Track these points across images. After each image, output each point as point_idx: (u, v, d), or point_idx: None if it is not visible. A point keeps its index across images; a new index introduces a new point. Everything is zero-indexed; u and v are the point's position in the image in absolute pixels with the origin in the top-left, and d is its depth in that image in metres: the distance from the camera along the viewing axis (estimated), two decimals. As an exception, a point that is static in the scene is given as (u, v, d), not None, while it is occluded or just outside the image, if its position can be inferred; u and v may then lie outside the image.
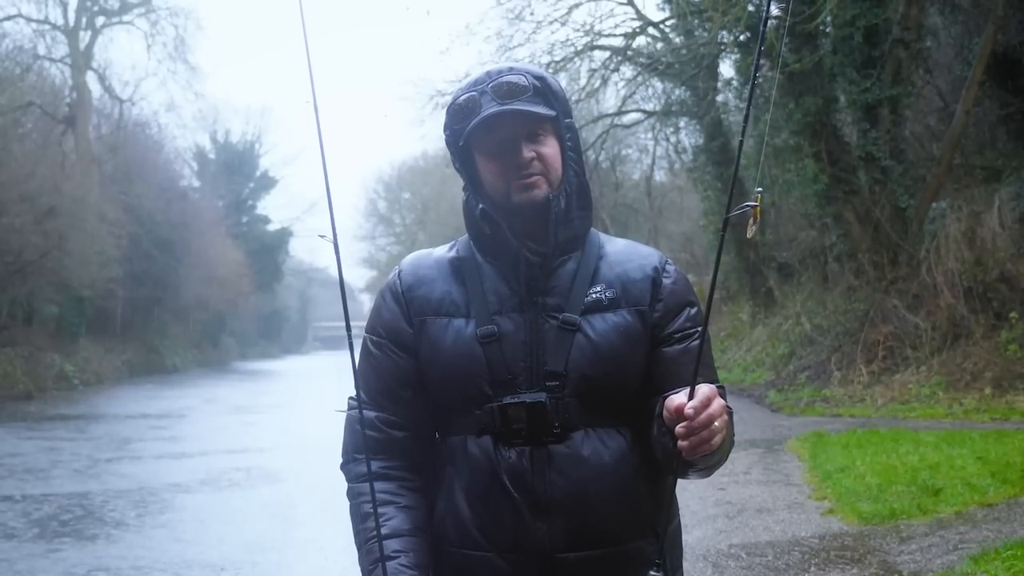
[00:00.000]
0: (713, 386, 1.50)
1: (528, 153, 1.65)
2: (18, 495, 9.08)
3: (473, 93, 1.67)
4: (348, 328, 1.63)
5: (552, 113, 1.67)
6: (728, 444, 1.59)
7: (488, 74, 1.69)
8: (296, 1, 1.59)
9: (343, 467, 1.76)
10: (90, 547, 7.02)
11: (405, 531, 1.65)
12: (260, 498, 9.15)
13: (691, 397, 1.46)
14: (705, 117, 18.96)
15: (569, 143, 1.71)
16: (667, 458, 1.57)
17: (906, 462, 7.73)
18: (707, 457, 1.52)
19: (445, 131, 1.73)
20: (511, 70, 1.68)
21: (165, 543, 7.16)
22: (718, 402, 1.47)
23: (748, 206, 1.51)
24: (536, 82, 1.67)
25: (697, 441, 1.45)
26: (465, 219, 1.75)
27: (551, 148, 1.68)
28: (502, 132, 1.65)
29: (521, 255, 1.68)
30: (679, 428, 1.45)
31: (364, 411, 1.71)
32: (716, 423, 1.46)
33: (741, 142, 1.70)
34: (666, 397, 1.54)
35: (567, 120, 1.71)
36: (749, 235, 1.53)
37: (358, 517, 1.69)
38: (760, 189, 1.52)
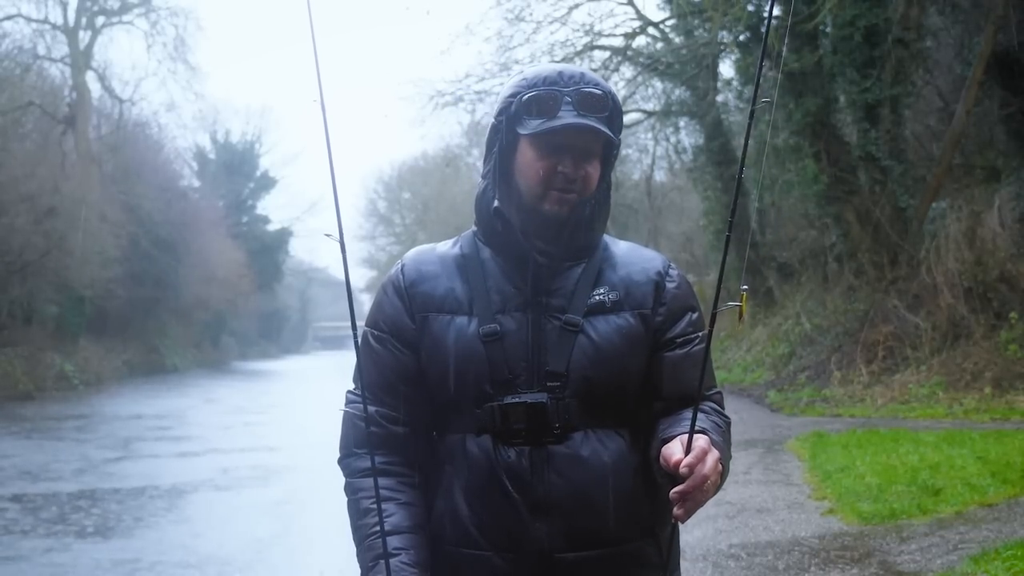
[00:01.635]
0: (707, 438, 1.52)
1: (580, 171, 1.66)
2: (28, 494, 9.11)
3: (553, 91, 1.64)
4: (354, 326, 1.63)
5: (617, 140, 1.68)
6: (725, 466, 1.61)
7: (561, 75, 1.66)
8: (298, 2, 1.60)
9: (341, 462, 1.75)
10: (111, 541, 7.11)
11: (405, 528, 1.65)
12: (267, 496, 9.21)
13: (688, 450, 1.49)
14: (705, 117, 18.96)
15: (612, 160, 1.72)
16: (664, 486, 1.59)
17: (906, 462, 7.73)
18: None
19: (499, 116, 1.69)
20: (585, 78, 1.66)
21: (181, 538, 7.24)
22: (712, 457, 1.49)
23: (732, 305, 1.57)
24: (610, 101, 1.67)
25: (692, 506, 1.49)
26: (477, 210, 1.75)
27: (595, 169, 1.68)
28: (571, 141, 1.64)
29: (530, 255, 1.67)
30: (673, 494, 1.48)
31: (368, 405, 1.70)
32: (709, 481, 1.49)
33: (740, 177, 1.69)
34: (663, 442, 1.56)
35: (618, 139, 1.71)
36: (738, 326, 1.59)
37: (357, 513, 1.68)
38: (745, 287, 1.56)
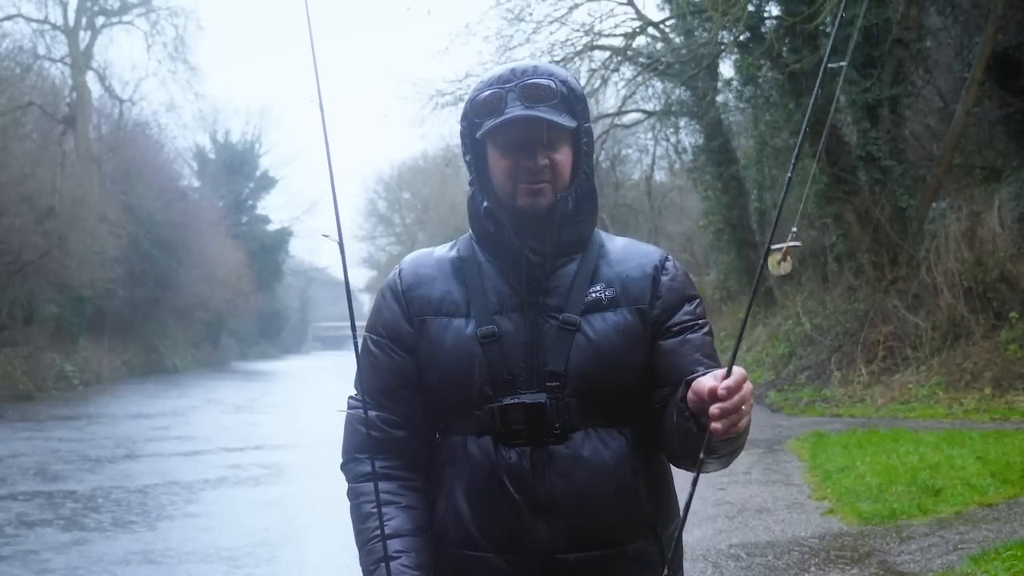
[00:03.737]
0: (743, 370, 1.49)
1: (542, 160, 1.65)
2: (41, 491, 9.20)
3: (499, 90, 1.66)
4: (353, 327, 1.63)
5: (573, 125, 1.67)
6: (746, 432, 1.58)
7: (513, 72, 1.68)
8: (298, 2, 1.60)
9: (344, 467, 1.76)
10: (130, 535, 7.26)
11: (407, 531, 1.65)
12: (277, 493, 9.32)
13: (728, 375, 1.45)
14: (705, 117, 18.96)
15: (584, 148, 1.70)
16: (686, 445, 1.56)
17: (906, 462, 7.73)
18: (728, 442, 1.51)
19: (462, 121, 1.72)
20: (537, 71, 1.67)
21: (197, 532, 7.39)
22: (748, 386, 1.46)
23: (787, 246, 1.50)
24: (563, 88, 1.67)
25: (729, 423, 1.44)
26: (469, 215, 1.75)
27: (564, 156, 1.68)
28: (521, 134, 1.65)
29: (523, 255, 1.68)
30: (714, 409, 1.43)
31: (370, 411, 1.71)
32: (745, 404, 1.45)
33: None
34: (689, 381, 1.53)
35: (586, 125, 1.70)
36: (776, 272, 1.54)
37: (359, 517, 1.69)
38: (795, 229, 1.51)
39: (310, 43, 1.59)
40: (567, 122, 1.65)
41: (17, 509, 8.29)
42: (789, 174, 1.63)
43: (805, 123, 1.74)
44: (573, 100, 1.68)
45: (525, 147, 1.65)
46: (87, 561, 6.46)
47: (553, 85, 1.66)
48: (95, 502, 8.61)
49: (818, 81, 1.56)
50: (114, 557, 6.57)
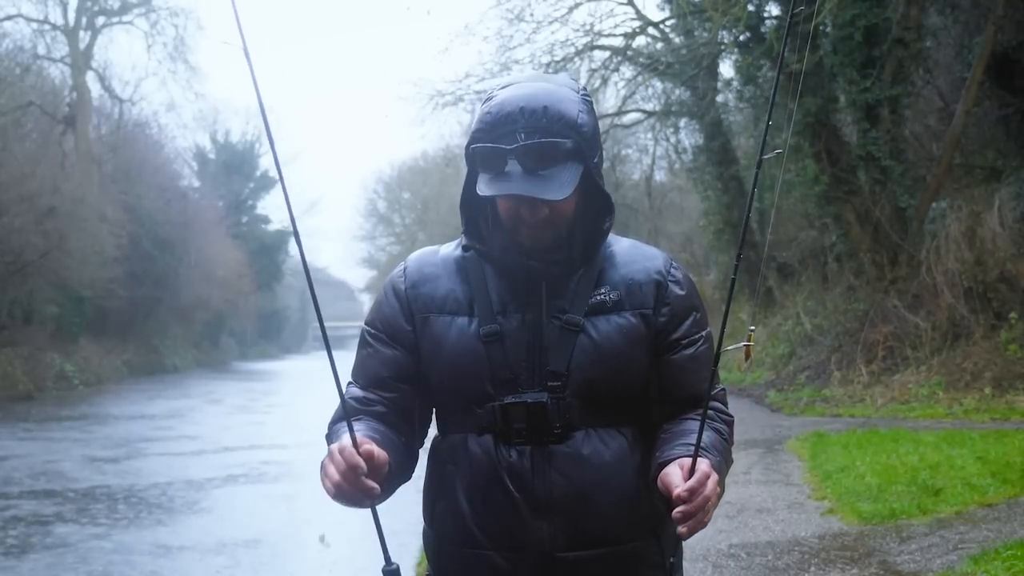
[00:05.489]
0: (709, 463, 1.52)
1: (540, 214, 1.61)
2: (52, 490, 9.27)
3: (499, 149, 1.58)
4: (321, 325, 1.63)
5: (573, 189, 1.58)
6: (722, 480, 1.61)
7: (522, 112, 1.57)
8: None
9: (326, 438, 1.70)
10: (145, 531, 7.42)
11: (374, 429, 1.63)
12: (283, 490, 9.46)
13: (692, 472, 1.49)
14: (705, 117, 18.96)
15: (594, 167, 1.65)
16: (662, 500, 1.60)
17: (906, 462, 7.73)
18: None
19: (468, 146, 1.65)
20: (547, 112, 1.57)
21: (208, 526, 7.58)
22: (712, 481, 1.49)
23: (742, 345, 1.56)
24: (572, 135, 1.59)
25: (694, 524, 1.48)
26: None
27: (567, 202, 1.62)
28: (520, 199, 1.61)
29: (525, 265, 1.68)
30: (676, 513, 1.48)
31: (352, 387, 1.72)
32: (709, 503, 1.49)
33: (750, 205, 1.69)
34: (661, 465, 1.57)
35: (595, 160, 1.64)
36: (740, 369, 1.59)
37: (328, 437, 1.65)
38: (753, 328, 1.56)
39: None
40: (570, 183, 1.58)
41: (29, 507, 8.41)
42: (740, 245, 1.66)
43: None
44: (583, 144, 1.60)
45: (526, 202, 1.60)
46: (105, 553, 6.64)
47: (559, 142, 1.59)
48: (105, 499, 8.74)
49: (756, 163, 1.58)
50: (131, 549, 6.76)
